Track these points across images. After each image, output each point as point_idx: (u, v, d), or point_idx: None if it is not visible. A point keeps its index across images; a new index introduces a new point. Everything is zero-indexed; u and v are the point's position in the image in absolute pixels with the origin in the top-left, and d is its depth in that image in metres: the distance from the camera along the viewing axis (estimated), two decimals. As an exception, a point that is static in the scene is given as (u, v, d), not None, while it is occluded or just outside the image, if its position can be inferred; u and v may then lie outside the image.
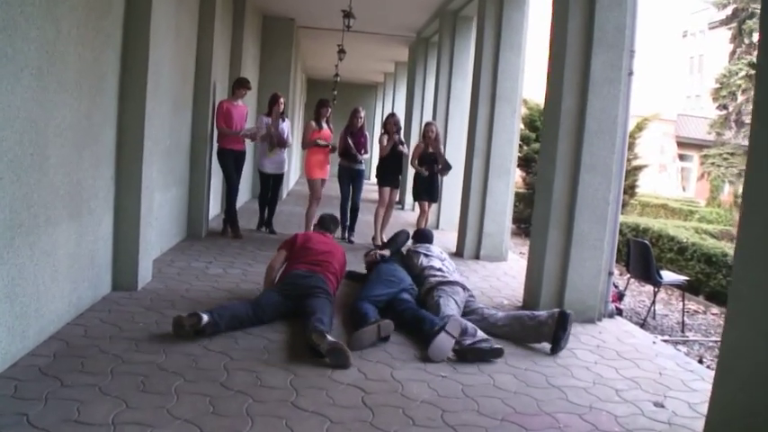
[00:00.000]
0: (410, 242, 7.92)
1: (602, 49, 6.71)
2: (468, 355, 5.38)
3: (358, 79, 29.65)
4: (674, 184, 40.59)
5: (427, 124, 11.18)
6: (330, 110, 10.82)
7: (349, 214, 11.00)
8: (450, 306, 6.13)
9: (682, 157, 41.92)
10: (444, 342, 5.35)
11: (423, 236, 8.02)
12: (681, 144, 41.06)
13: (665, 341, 7.39)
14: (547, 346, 5.80)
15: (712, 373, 5.82)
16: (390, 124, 10.87)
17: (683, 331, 9.30)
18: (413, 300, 6.39)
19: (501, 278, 8.96)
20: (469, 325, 5.76)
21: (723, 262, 11.38)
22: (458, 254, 10.41)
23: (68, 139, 5.06)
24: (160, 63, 6.75)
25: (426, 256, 7.13)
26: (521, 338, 5.93)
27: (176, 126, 8.65)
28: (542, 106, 18.96)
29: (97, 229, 5.90)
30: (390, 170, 10.92)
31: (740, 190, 26.12)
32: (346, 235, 10.94)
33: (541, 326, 5.78)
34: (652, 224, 14.72)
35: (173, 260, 8.09)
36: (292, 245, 6.73)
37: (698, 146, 39.65)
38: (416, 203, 11.55)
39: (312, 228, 9.48)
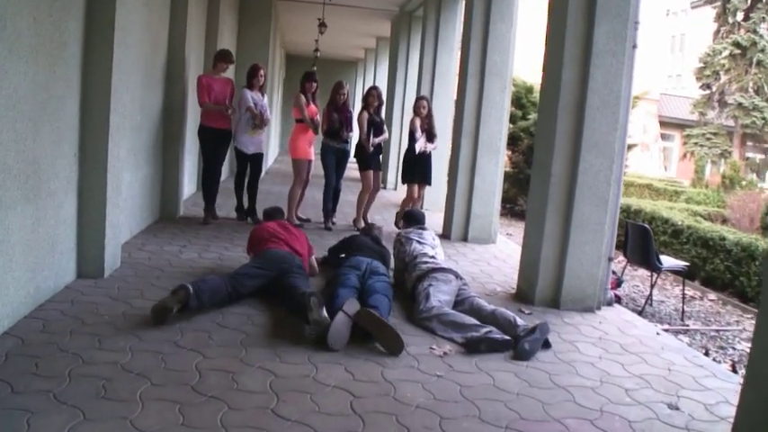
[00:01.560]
0: (401, 224, 7.50)
1: (606, 18, 6.25)
2: (481, 345, 5.02)
3: (338, 55, 29.07)
4: (656, 163, 40.42)
5: (419, 99, 10.56)
6: (316, 85, 9.92)
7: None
8: (439, 297, 5.69)
9: (663, 137, 41.76)
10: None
11: (414, 218, 7.47)
12: (663, 123, 40.92)
13: (665, 330, 7.02)
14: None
15: (722, 368, 5.51)
16: (373, 97, 9.99)
17: (682, 319, 8.91)
18: (381, 280, 5.94)
19: (491, 262, 8.54)
20: (466, 318, 5.40)
21: (721, 246, 10.95)
22: (444, 236, 9.96)
23: (23, 112, 4.53)
24: (128, 31, 6.20)
25: (420, 243, 6.67)
26: None
27: (148, 101, 8.10)
28: (528, 83, 18.91)
29: (58, 212, 5.38)
30: (375, 151, 10.08)
31: (728, 170, 26.02)
32: (328, 221, 10.07)
33: (516, 337, 5.19)
34: (644, 205, 14.31)
35: (144, 244, 7.58)
36: (250, 241, 6.69)
37: (680, 125, 39.58)
38: (406, 186, 10.41)
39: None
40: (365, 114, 9.89)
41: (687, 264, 9.53)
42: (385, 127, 10.35)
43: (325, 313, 4.98)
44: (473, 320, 5.35)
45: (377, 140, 9.95)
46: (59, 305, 5.18)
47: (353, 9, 17.55)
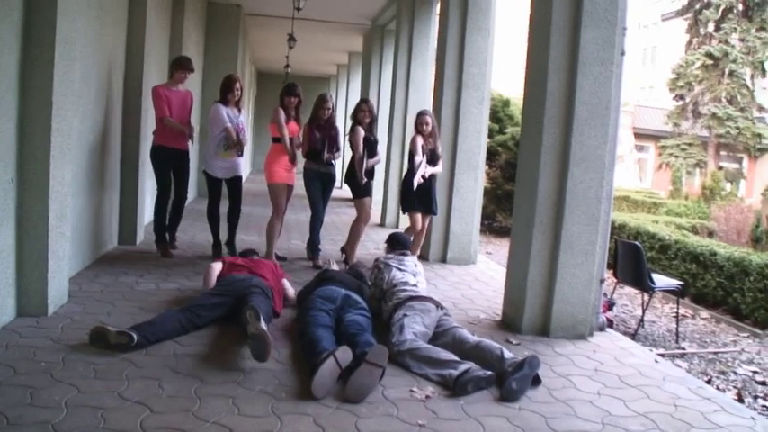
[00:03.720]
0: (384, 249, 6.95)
1: (593, 23, 5.80)
2: (468, 385, 4.48)
3: (310, 71, 28.59)
4: (632, 175, 40.32)
5: (420, 114, 8.77)
6: (298, 99, 8.35)
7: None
8: (414, 329, 5.14)
9: (638, 148, 41.77)
10: (367, 376, 4.33)
11: (399, 242, 6.85)
12: (637, 135, 40.91)
13: (661, 355, 6.56)
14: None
15: (729, 399, 5.01)
16: (364, 112, 8.47)
17: (677, 342, 8.44)
18: (361, 313, 5.41)
19: (472, 285, 8.02)
20: (442, 353, 4.87)
21: (712, 261, 10.53)
22: (422, 257, 9.37)
23: (-60, 133, 3.98)
24: (73, 43, 5.64)
25: (400, 270, 6.12)
26: None
27: (101, 119, 7.51)
28: (505, 96, 18.53)
29: (-9, 245, 4.81)
30: (367, 175, 8.53)
31: (708, 181, 25.78)
32: (313, 258, 8.62)
33: (503, 374, 4.65)
34: (628, 220, 13.89)
35: (97, 274, 6.98)
36: (224, 261, 6.51)
37: (654, 137, 39.55)
38: (408, 215, 8.89)
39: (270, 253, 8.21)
40: (360, 131, 8.43)
41: (681, 283, 9.07)
42: (378, 148, 8.90)
43: (262, 325, 4.61)
44: (450, 356, 4.82)
45: (370, 163, 8.50)
46: (-8, 350, 4.60)
47: (324, 24, 17.18)
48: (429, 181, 8.57)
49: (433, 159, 8.58)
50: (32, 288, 5.39)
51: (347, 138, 8.77)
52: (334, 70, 27.24)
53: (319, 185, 8.50)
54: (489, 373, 4.62)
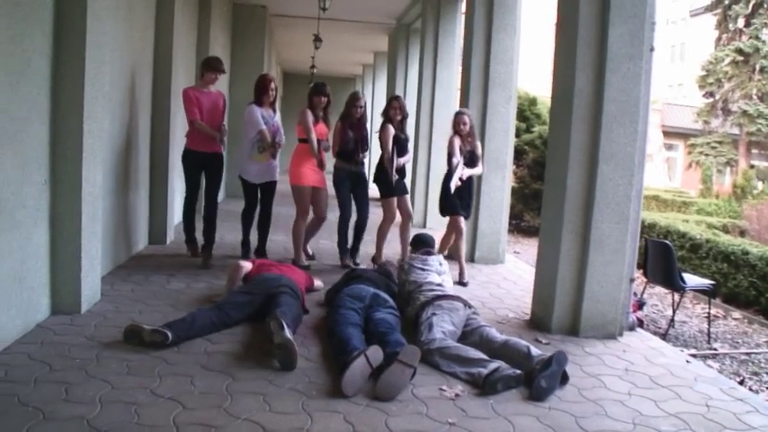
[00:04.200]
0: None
1: (621, 19, 5.75)
2: (497, 384, 4.48)
3: (335, 72, 28.63)
4: (661, 174, 39.94)
5: (458, 113, 8.36)
6: (327, 99, 8.12)
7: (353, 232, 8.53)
8: (443, 328, 5.15)
9: (667, 147, 41.36)
10: (398, 375, 4.34)
11: (423, 241, 6.81)
12: (666, 133, 40.49)
13: (692, 355, 6.50)
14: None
15: (762, 401, 4.95)
16: (395, 109, 8.21)
17: (709, 342, 8.35)
18: (390, 312, 5.44)
19: (501, 284, 8.01)
20: (471, 351, 4.86)
21: (744, 261, 10.40)
22: (450, 257, 9.37)
23: (-26, 136, 4.04)
24: (103, 46, 5.71)
25: (423, 270, 6.11)
26: None
27: (130, 121, 7.56)
28: (531, 95, 18.45)
29: (26, 245, 4.87)
30: (398, 173, 8.29)
31: (739, 179, 25.49)
32: (348, 260, 8.43)
33: (531, 372, 4.62)
34: (658, 219, 13.75)
35: (129, 274, 7.05)
36: (253, 262, 6.55)
37: (683, 135, 39.14)
38: (449, 218, 8.52)
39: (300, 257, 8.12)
40: (390, 129, 8.16)
41: (713, 282, 8.95)
42: (409, 146, 8.75)
43: (287, 334, 4.64)
44: (479, 354, 4.82)
45: (401, 161, 8.27)
46: (27, 347, 4.66)
47: (349, 23, 17.22)
48: (468, 183, 8.26)
49: (471, 160, 8.21)
50: (66, 287, 5.47)
51: (377, 135, 8.56)
52: (360, 70, 27.28)
53: (349, 185, 8.30)
54: (519, 372, 4.62)
